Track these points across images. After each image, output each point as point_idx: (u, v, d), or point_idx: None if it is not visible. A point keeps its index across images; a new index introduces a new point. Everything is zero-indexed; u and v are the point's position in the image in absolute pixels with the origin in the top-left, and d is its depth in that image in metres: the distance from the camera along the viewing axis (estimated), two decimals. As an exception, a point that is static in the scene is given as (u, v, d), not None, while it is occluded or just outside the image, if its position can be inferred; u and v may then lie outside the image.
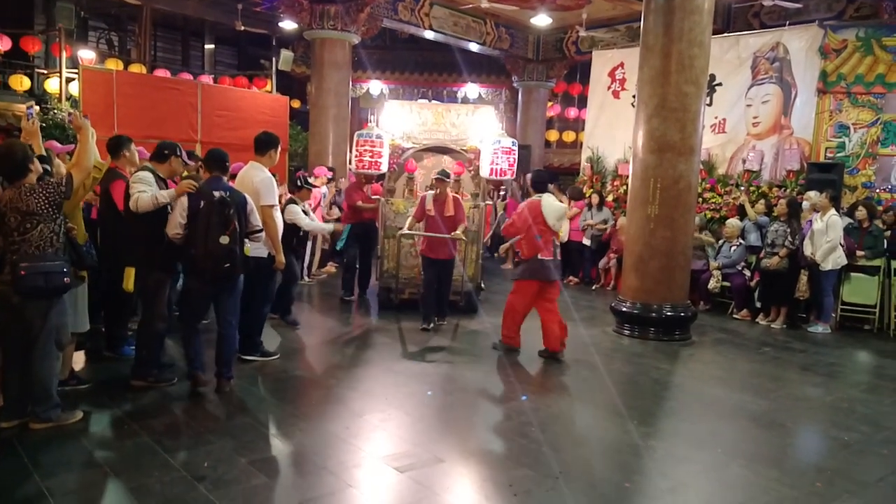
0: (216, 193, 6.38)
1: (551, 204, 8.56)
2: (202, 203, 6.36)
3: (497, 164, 11.00)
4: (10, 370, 5.62)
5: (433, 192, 9.94)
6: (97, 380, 6.90)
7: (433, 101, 13.99)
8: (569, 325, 10.49)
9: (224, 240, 6.30)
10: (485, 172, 11.19)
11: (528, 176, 10.83)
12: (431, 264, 9.92)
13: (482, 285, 11.84)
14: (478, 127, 11.59)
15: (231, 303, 6.76)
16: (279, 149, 7.86)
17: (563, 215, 8.65)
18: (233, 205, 6.39)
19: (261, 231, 6.86)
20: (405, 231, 10.06)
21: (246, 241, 6.58)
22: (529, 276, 8.55)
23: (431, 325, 9.85)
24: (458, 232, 9.69)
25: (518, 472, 5.26)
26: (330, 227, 10.71)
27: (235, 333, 6.88)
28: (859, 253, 11.08)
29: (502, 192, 13.99)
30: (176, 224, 6.46)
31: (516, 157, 11.22)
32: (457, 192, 10.66)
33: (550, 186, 15.40)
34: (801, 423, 6.84)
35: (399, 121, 11.74)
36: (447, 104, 13.80)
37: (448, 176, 9.93)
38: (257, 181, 7.43)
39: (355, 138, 11.14)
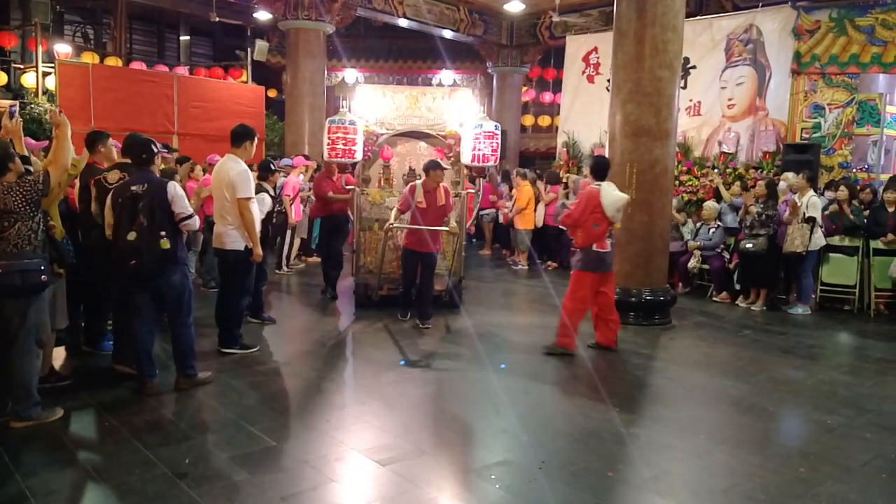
0: (133, 188, 6.24)
1: (611, 193, 8.07)
2: (120, 199, 6.27)
3: (479, 149, 10.28)
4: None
5: (420, 181, 9.36)
6: (77, 376, 6.84)
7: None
8: (548, 311, 10.59)
9: (130, 236, 6.15)
10: (466, 158, 10.49)
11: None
12: (415, 258, 9.39)
13: (463, 276, 11.22)
14: (454, 111, 10.92)
15: (172, 300, 6.51)
16: (255, 140, 7.85)
17: (622, 206, 8.11)
18: (144, 198, 6.18)
19: (189, 217, 6.44)
20: (394, 224, 9.25)
21: (162, 235, 6.22)
22: (582, 267, 8.17)
23: (409, 315, 9.62)
24: (453, 224, 9.35)
25: (500, 463, 5.26)
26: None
27: (186, 331, 6.64)
28: (848, 214, 11.15)
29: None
30: (107, 224, 6.46)
31: (499, 141, 10.50)
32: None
33: (529, 173, 15.64)
34: (783, 407, 6.83)
35: (372, 106, 10.92)
36: (422, 87, 13.10)
37: (438, 167, 9.30)
38: (233, 174, 7.43)
39: (327, 125, 10.37)
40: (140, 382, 6.51)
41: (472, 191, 11.00)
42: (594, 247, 8.07)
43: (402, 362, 7.86)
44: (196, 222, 6.59)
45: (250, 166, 9.23)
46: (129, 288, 6.48)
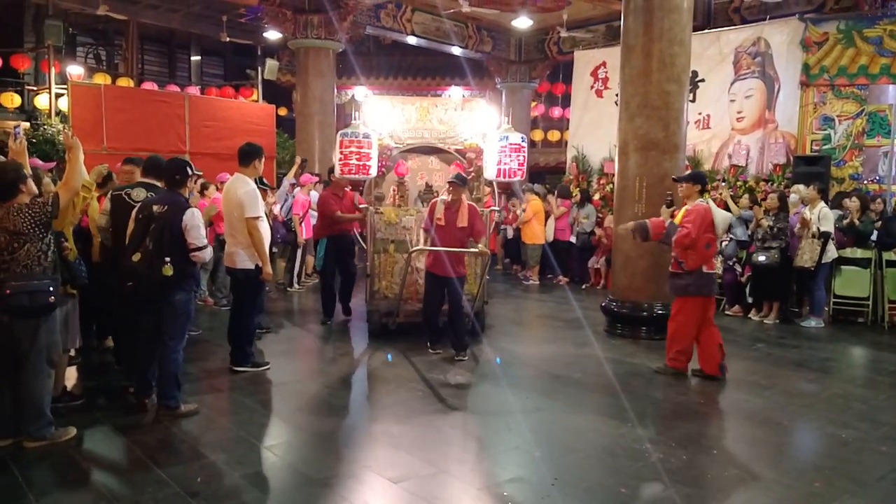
0: (154, 208, 6.25)
1: (719, 211, 7.83)
2: (140, 215, 6.29)
3: (505, 163, 9.49)
4: (3, 389, 5.62)
5: (444, 198, 8.69)
6: (90, 396, 6.86)
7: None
8: (560, 325, 10.60)
9: (135, 257, 6.15)
10: (491, 174, 9.70)
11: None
12: (436, 282, 8.64)
13: (486, 300, 10.26)
14: (468, 123, 10.21)
15: (168, 322, 6.37)
16: (263, 158, 7.87)
17: (728, 224, 7.77)
18: (158, 221, 6.17)
19: (201, 248, 6.36)
20: (421, 247, 8.65)
21: (167, 261, 6.11)
22: (695, 291, 7.75)
23: (439, 349, 8.80)
24: (480, 246, 8.53)
25: (513, 479, 5.24)
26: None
27: (173, 357, 6.42)
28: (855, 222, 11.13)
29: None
30: (128, 235, 6.49)
31: (526, 154, 9.78)
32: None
33: (538, 187, 15.63)
34: (797, 421, 6.78)
35: (381, 118, 10.03)
36: (433, 98, 12.02)
37: (465, 181, 8.70)
38: (241, 193, 7.47)
39: (338, 138, 9.44)
40: (137, 399, 6.56)
41: (497, 209, 10.35)
42: (704, 268, 7.74)
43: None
44: (208, 254, 6.57)
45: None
46: (133, 306, 6.52)
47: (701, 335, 7.88)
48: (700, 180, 8.03)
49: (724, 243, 12.06)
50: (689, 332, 7.85)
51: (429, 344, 8.91)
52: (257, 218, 7.49)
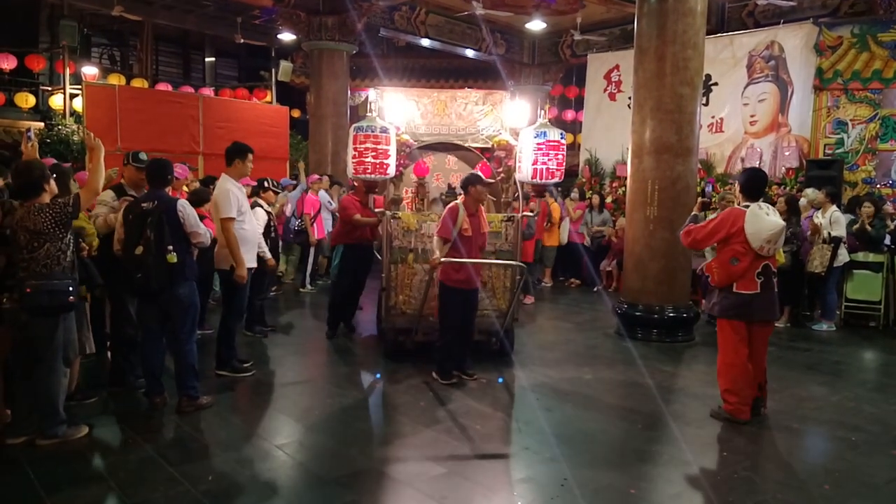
0: (143, 205, 6.33)
1: (761, 219, 6.40)
2: (131, 216, 6.37)
3: (542, 163, 8.28)
4: (21, 387, 5.70)
5: (458, 200, 7.67)
6: (102, 395, 6.89)
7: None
8: (571, 328, 10.58)
9: (138, 250, 6.22)
10: (525, 174, 8.45)
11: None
12: (460, 297, 7.62)
13: (516, 318, 9.24)
14: (489, 118, 9.38)
15: (178, 316, 6.49)
16: (248, 156, 7.72)
17: (776, 237, 6.41)
18: (153, 214, 6.24)
19: (202, 233, 6.57)
20: (442, 258, 7.39)
21: (170, 249, 6.24)
22: (720, 311, 6.64)
23: (455, 380, 7.71)
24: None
25: (523, 480, 5.27)
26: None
27: (188, 349, 6.57)
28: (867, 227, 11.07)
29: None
30: (116, 239, 6.60)
31: (565, 154, 8.55)
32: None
33: (553, 191, 15.60)
34: (807, 424, 6.74)
35: (395, 112, 9.02)
36: (452, 91, 10.35)
37: (482, 181, 7.69)
38: (216, 193, 7.48)
39: (352, 133, 8.29)
40: (148, 398, 6.60)
41: (531, 214, 9.16)
42: (734, 287, 6.50)
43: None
44: (207, 238, 6.72)
45: (262, 182, 9.44)
46: (137, 303, 6.63)
47: None
48: (746, 185, 6.76)
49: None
50: (727, 362, 6.64)
51: (439, 374, 7.77)
52: (227, 219, 7.33)
